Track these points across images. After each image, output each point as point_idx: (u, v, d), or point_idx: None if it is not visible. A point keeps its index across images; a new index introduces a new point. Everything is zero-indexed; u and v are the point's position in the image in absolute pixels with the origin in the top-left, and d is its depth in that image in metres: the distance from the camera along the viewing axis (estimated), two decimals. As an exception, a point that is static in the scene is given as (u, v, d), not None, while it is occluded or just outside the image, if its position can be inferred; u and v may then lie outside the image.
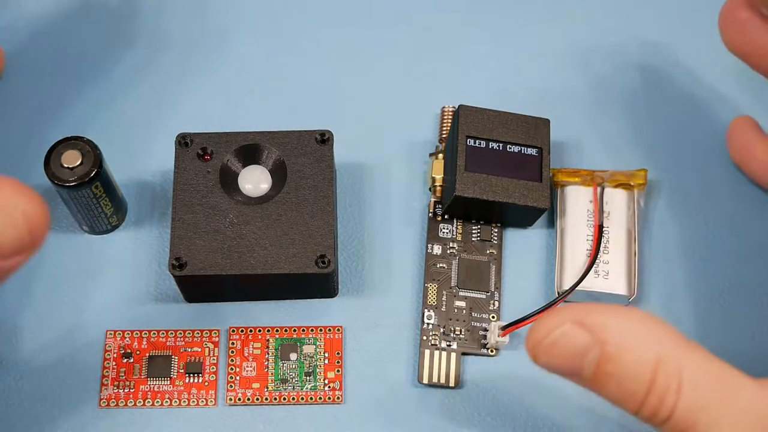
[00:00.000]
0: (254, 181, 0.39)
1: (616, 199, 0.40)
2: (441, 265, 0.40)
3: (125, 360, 0.38)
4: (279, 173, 0.39)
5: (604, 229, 0.39)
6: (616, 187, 0.40)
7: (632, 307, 0.27)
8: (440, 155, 0.41)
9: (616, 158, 0.42)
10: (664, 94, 0.44)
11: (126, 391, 0.38)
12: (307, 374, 0.38)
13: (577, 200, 0.40)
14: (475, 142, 0.39)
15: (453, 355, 0.38)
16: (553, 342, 0.28)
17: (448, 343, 0.38)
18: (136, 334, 0.39)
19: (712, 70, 0.45)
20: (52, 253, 0.40)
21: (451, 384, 0.38)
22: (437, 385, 0.38)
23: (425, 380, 0.38)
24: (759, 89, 0.45)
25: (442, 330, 0.39)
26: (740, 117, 0.41)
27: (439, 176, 0.40)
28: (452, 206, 0.39)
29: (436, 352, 0.38)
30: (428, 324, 0.39)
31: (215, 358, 0.38)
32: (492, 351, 0.38)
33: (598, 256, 0.39)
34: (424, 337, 0.38)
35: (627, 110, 0.44)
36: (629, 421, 0.37)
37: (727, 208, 0.42)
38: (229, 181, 0.39)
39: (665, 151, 0.43)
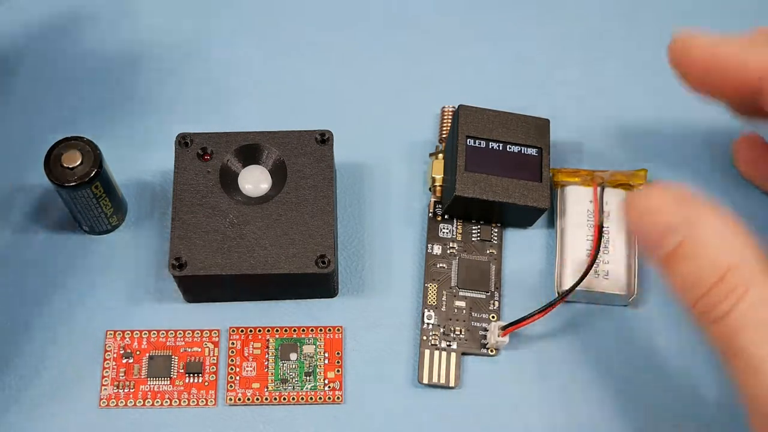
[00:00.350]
0: (254, 181, 0.39)
1: (616, 199, 0.40)
2: (441, 265, 0.40)
3: (125, 360, 0.38)
4: (279, 173, 0.39)
5: (604, 229, 0.39)
6: (616, 187, 0.40)
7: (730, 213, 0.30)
8: (440, 155, 0.41)
9: (616, 158, 0.42)
10: (665, 93, 0.44)
11: (126, 391, 0.38)
12: (307, 374, 0.38)
13: (577, 200, 0.40)
14: (475, 142, 0.39)
15: (453, 355, 0.38)
16: (650, 206, 0.30)
17: (448, 343, 0.38)
18: (136, 334, 0.39)
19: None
20: (52, 253, 0.40)
21: (451, 384, 0.38)
22: (437, 385, 0.38)
23: (425, 380, 0.38)
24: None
25: (442, 330, 0.39)
26: (747, 136, 0.41)
27: (439, 176, 0.40)
28: (452, 206, 0.39)
29: (436, 352, 0.38)
30: (428, 324, 0.39)
31: (215, 358, 0.38)
32: (492, 351, 0.38)
33: (598, 256, 0.39)
34: (424, 337, 0.38)
35: (627, 110, 0.44)
36: (629, 420, 0.37)
37: (727, 208, 0.42)
38: (229, 181, 0.39)
39: (665, 151, 0.43)
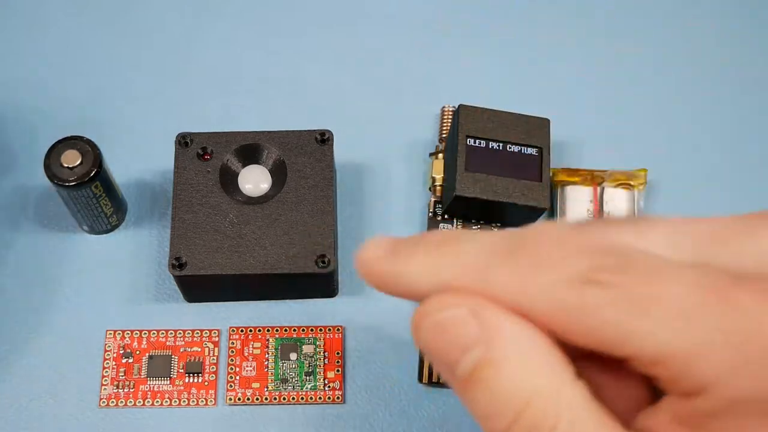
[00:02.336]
0: (254, 180, 0.39)
1: (616, 199, 0.40)
2: (441, 265, 0.40)
3: (125, 360, 0.38)
4: (279, 173, 0.39)
5: (604, 228, 0.39)
6: (616, 187, 0.40)
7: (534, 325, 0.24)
8: (440, 155, 0.41)
9: (616, 158, 0.42)
10: (665, 93, 0.44)
11: (126, 390, 0.38)
12: (307, 374, 0.38)
13: (577, 200, 0.40)
14: (475, 142, 0.39)
15: (453, 354, 0.38)
16: (441, 321, 0.24)
17: (448, 342, 0.38)
18: (136, 333, 0.39)
19: (712, 69, 0.45)
20: (52, 253, 0.40)
21: (451, 384, 0.38)
22: (438, 385, 0.38)
23: (425, 380, 0.38)
24: (759, 89, 0.45)
25: (442, 330, 0.38)
26: None
27: (439, 176, 0.40)
28: (452, 206, 0.39)
29: (436, 352, 0.38)
30: (428, 324, 0.38)
31: (215, 357, 0.38)
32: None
33: (598, 255, 0.39)
34: (424, 337, 0.38)
35: (627, 110, 0.44)
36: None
37: (727, 208, 0.42)
38: (229, 180, 0.39)
39: (665, 151, 0.43)
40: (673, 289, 0.21)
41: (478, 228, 0.40)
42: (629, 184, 0.40)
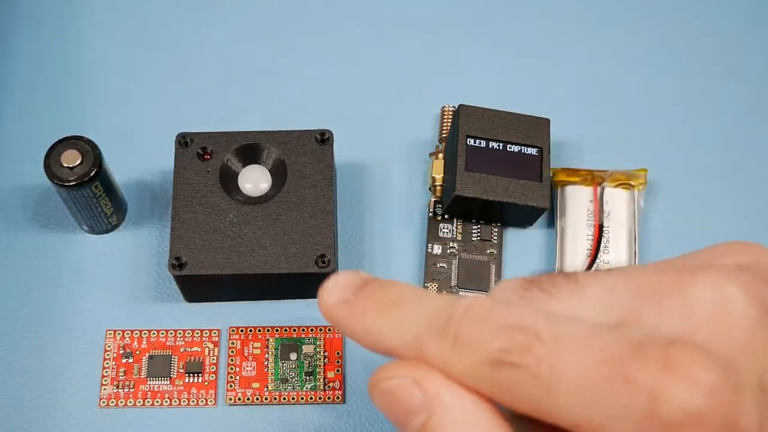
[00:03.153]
0: (254, 180, 0.39)
1: (616, 199, 0.40)
2: (441, 264, 0.40)
3: (125, 360, 0.38)
4: (279, 173, 0.39)
5: (604, 228, 0.39)
6: (616, 186, 0.40)
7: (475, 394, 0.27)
8: (440, 155, 0.41)
9: (616, 158, 0.42)
10: (665, 93, 0.44)
11: (126, 391, 0.38)
12: (307, 374, 0.38)
13: (577, 200, 0.40)
14: (475, 142, 0.39)
15: (453, 354, 0.38)
16: (389, 390, 0.27)
17: (448, 342, 0.38)
18: (136, 333, 0.39)
19: (712, 68, 0.45)
20: (52, 253, 0.40)
21: (451, 384, 0.38)
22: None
23: (425, 380, 0.37)
24: (759, 88, 0.45)
25: (442, 330, 0.38)
26: None
27: (439, 176, 0.40)
28: (452, 206, 0.39)
29: (436, 352, 0.38)
30: (428, 324, 0.38)
31: (215, 357, 0.38)
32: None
33: (598, 255, 0.39)
34: (424, 337, 0.38)
35: (627, 110, 0.44)
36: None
37: (727, 207, 0.42)
38: (229, 180, 0.39)
39: (665, 151, 0.43)
40: (578, 365, 0.23)
41: (478, 228, 0.40)
42: (629, 184, 0.40)
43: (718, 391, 0.22)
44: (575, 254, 0.39)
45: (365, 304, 0.27)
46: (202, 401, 0.38)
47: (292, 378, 0.38)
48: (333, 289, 0.28)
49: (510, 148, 0.39)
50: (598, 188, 0.40)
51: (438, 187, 0.40)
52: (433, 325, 0.26)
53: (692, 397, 0.22)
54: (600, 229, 0.39)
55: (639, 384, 0.22)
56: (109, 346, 0.38)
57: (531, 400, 0.24)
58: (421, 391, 0.26)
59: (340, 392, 0.38)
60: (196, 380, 0.38)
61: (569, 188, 0.40)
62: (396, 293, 0.27)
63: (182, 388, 0.38)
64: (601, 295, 0.25)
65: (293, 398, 0.38)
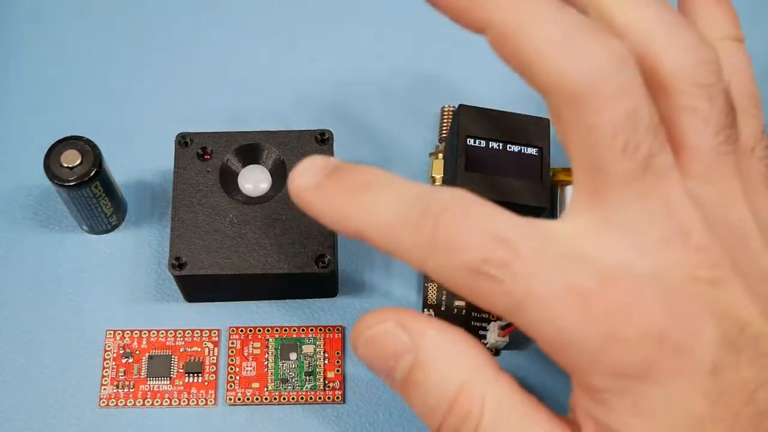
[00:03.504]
0: (254, 180, 0.39)
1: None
2: (441, 265, 0.40)
3: (125, 360, 0.38)
4: (279, 173, 0.39)
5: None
6: (616, 186, 0.40)
7: (457, 327, 0.28)
8: (440, 155, 0.41)
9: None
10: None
11: (126, 391, 0.38)
12: (307, 374, 0.38)
13: (577, 200, 0.40)
14: (475, 142, 0.39)
15: (453, 354, 0.38)
16: (372, 337, 0.27)
17: (448, 342, 0.38)
18: (136, 333, 0.39)
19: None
20: (52, 253, 0.40)
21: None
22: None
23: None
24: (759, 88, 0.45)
25: (442, 330, 0.38)
26: None
27: (439, 176, 0.40)
28: (452, 206, 0.39)
29: (436, 352, 0.38)
30: (428, 324, 0.39)
31: (215, 357, 0.38)
32: (492, 351, 0.38)
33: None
34: (424, 337, 0.38)
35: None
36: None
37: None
38: (229, 180, 0.39)
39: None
40: (548, 291, 0.24)
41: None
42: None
43: (663, 324, 0.24)
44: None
45: (335, 187, 0.27)
46: (202, 401, 0.38)
47: (292, 378, 0.38)
48: (304, 172, 0.27)
49: (510, 148, 0.39)
50: (598, 188, 0.40)
51: (438, 187, 0.40)
52: (407, 216, 0.25)
53: (640, 328, 0.24)
54: (600, 229, 0.39)
55: (598, 315, 0.24)
56: (109, 346, 0.38)
57: (501, 308, 0.25)
58: (405, 332, 0.27)
59: (340, 392, 0.38)
60: (196, 380, 0.38)
61: (569, 188, 0.40)
62: (367, 177, 0.27)
63: (182, 388, 0.38)
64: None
65: (293, 398, 0.38)
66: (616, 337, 0.24)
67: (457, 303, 0.39)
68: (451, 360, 0.27)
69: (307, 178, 0.27)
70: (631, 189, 0.25)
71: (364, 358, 0.28)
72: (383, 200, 0.26)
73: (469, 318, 0.39)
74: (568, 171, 0.41)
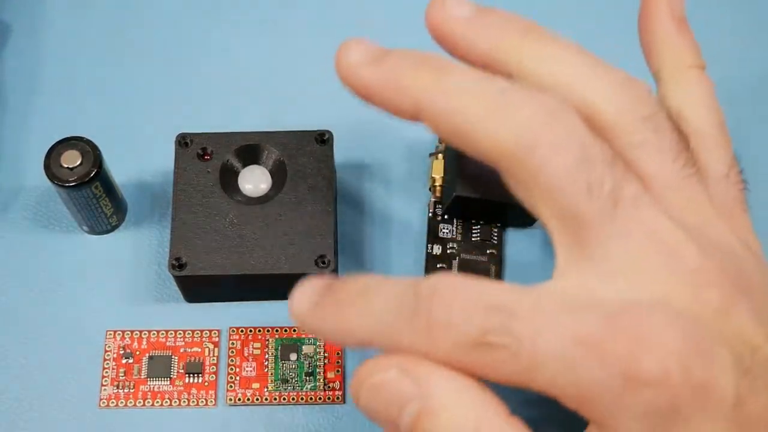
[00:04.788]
0: (254, 181, 0.39)
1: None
2: (441, 265, 0.40)
3: (125, 360, 0.38)
4: (279, 173, 0.39)
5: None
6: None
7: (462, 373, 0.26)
8: (440, 155, 0.41)
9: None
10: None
11: (126, 391, 0.38)
12: (307, 374, 0.38)
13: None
14: (475, 142, 0.39)
15: (453, 355, 0.38)
16: (375, 386, 0.26)
17: (448, 343, 0.38)
18: (136, 334, 0.39)
19: (712, 67, 0.45)
20: (52, 253, 0.40)
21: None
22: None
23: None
24: (757, 87, 0.45)
25: (442, 330, 0.38)
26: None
27: (439, 176, 0.40)
28: (452, 206, 0.39)
29: (436, 352, 0.38)
30: (428, 324, 0.38)
31: (215, 358, 0.38)
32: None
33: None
34: (424, 337, 0.38)
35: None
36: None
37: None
38: (229, 181, 0.39)
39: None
40: (556, 343, 0.24)
41: (478, 228, 0.40)
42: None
43: (683, 356, 0.23)
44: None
45: (331, 304, 0.27)
46: (202, 402, 0.38)
47: (292, 378, 0.38)
48: (301, 296, 0.28)
49: (510, 148, 0.39)
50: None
51: (438, 188, 0.40)
52: (402, 309, 0.25)
53: (661, 364, 0.23)
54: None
55: (614, 357, 0.23)
56: (109, 347, 0.38)
57: (513, 376, 0.24)
58: (410, 378, 0.25)
59: (340, 392, 0.38)
60: (196, 380, 0.38)
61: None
62: (359, 286, 0.27)
63: (182, 388, 0.38)
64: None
65: (293, 398, 0.38)
66: (637, 375, 0.23)
67: (457, 303, 0.39)
68: (460, 407, 0.26)
69: (304, 302, 0.28)
70: (610, 226, 0.24)
71: (366, 407, 0.26)
72: (377, 302, 0.26)
73: (469, 318, 0.39)
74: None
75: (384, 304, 0.26)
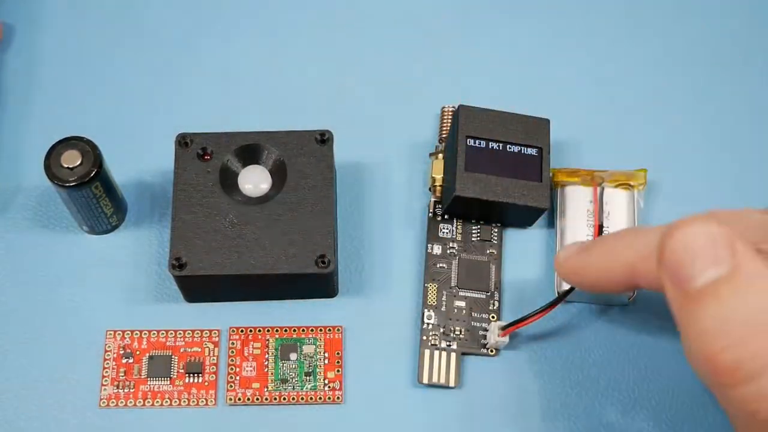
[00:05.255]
0: (254, 181, 0.39)
1: (616, 199, 0.40)
2: (441, 265, 0.40)
3: (125, 360, 0.38)
4: (279, 173, 0.39)
5: (604, 229, 0.39)
6: (616, 187, 0.40)
7: None
8: (440, 155, 0.41)
9: (616, 158, 0.42)
10: (665, 93, 0.44)
11: (126, 391, 0.38)
12: (307, 374, 0.38)
13: (577, 200, 0.40)
14: (475, 142, 0.39)
15: (453, 355, 0.38)
16: (696, 233, 0.26)
17: (448, 343, 0.38)
18: (136, 334, 0.39)
19: (712, 67, 0.45)
20: (52, 253, 0.40)
21: (451, 384, 0.38)
22: (437, 386, 0.38)
23: (425, 380, 0.38)
24: (759, 87, 0.45)
25: (442, 330, 0.38)
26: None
27: (439, 176, 0.40)
28: (452, 206, 0.39)
29: (436, 352, 0.38)
30: (428, 324, 0.39)
31: (215, 358, 0.38)
32: (492, 351, 0.38)
33: (598, 256, 0.39)
34: (424, 337, 0.38)
35: (627, 110, 0.44)
36: (629, 419, 0.37)
37: (727, 207, 0.42)
38: (229, 181, 0.39)
39: (665, 151, 0.43)
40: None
41: (478, 228, 0.40)
42: (629, 184, 0.40)
43: None
44: (575, 254, 0.39)
45: (601, 243, 0.33)
46: (202, 401, 0.38)
47: (292, 378, 0.38)
48: (568, 247, 0.34)
49: (510, 148, 0.39)
50: (598, 188, 0.40)
51: (438, 188, 0.40)
52: (652, 251, 0.28)
53: None
54: (600, 230, 0.39)
55: None
56: (109, 347, 0.38)
57: None
58: (728, 247, 0.25)
59: (340, 392, 0.38)
60: (196, 380, 0.38)
61: (569, 188, 0.40)
62: (623, 231, 0.33)
63: (182, 388, 0.38)
64: None
65: (293, 398, 0.38)
66: None
67: (457, 303, 0.39)
68: (764, 292, 0.25)
69: (572, 249, 0.34)
70: None
71: (673, 250, 0.26)
72: (647, 234, 0.30)
73: (470, 318, 0.39)
74: (567, 171, 0.41)
75: (650, 235, 0.30)
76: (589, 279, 0.33)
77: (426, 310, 0.39)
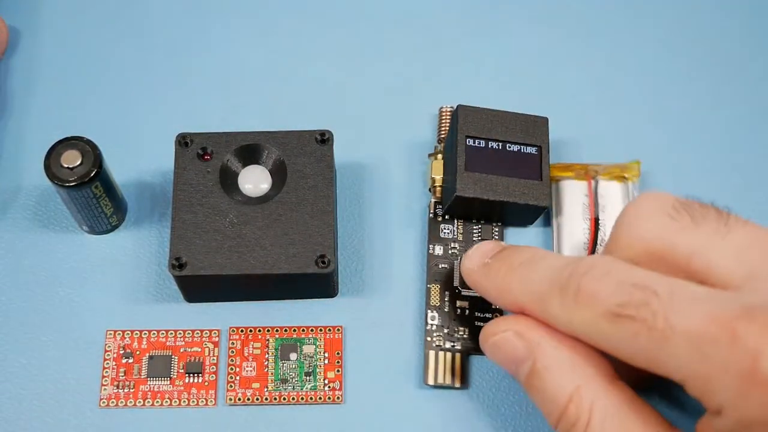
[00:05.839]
0: (254, 181, 0.39)
1: (611, 192, 0.40)
2: (443, 265, 0.40)
3: (125, 360, 0.38)
4: (279, 173, 0.39)
5: (600, 222, 0.39)
6: (610, 180, 0.40)
7: (573, 338, 0.30)
8: (439, 156, 0.41)
9: (615, 155, 0.42)
10: (664, 92, 0.44)
11: (126, 391, 0.38)
12: (307, 374, 0.38)
13: (571, 195, 0.40)
14: (474, 142, 0.39)
15: (457, 355, 0.38)
16: (495, 344, 0.31)
17: (452, 343, 0.38)
18: (136, 334, 0.39)
19: (706, 61, 0.45)
20: (52, 253, 0.40)
21: (457, 385, 0.38)
22: (443, 386, 0.38)
23: (431, 381, 0.37)
24: (753, 81, 0.45)
25: (445, 331, 0.38)
26: None
27: (438, 176, 0.40)
28: (453, 206, 0.39)
29: (441, 353, 0.38)
30: (432, 325, 0.38)
31: (215, 358, 0.38)
32: (492, 351, 0.38)
33: (596, 249, 0.39)
34: (428, 339, 0.38)
35: (625, 108, 0.44)
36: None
37: (720, 198, 0.41)
38: (229, 181, 0.39)
39: (665, 150, 0.43)
40: (690, 321, 0.25)
41: (479, 228, 0.40)
42: (623, 177, 0.40)
43: None
44: (573, 249, 0.39)
45: (499, 266, 0.32)
46: (202, 401, 0.38)
47: (292, 378, 0.38)
48: (473, 255, 0.34)
49: (509, 147, 0.39)
50: (592, 182, 0.40)
51: (438, 188, 0.40)
52: (556, 281, 0.29)
53: None
54: (596, 223, 0.39)
55: (744, 342, 0.24)
56: (109, 347, 0.38)
57: (645, 353, 0.27)
58: (523, 342, 0.30)
59: (340, 392, 0.38)
60: (196, 380, 0.38)
61: (563, 183, 0.40)
62: (526, 255, 0.32)
63: (182, 388, 0.38)
64: (742, 245, 0.28)
65: (293, 398, 0.38)
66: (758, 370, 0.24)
67: (459, 303, 0.39)
68: (564, 369, 0.29)
69: (476, 261, 0.33)
70: None
71: (491, 358, 0.32)
72: (539, 272, 0.30)
73: (472, 318, 0.39)
74: (561, 166, 0.41)
75: (544, 274, 0.30)
76: (489, 298, 0.33)
77: (429, 311, 0.39)
